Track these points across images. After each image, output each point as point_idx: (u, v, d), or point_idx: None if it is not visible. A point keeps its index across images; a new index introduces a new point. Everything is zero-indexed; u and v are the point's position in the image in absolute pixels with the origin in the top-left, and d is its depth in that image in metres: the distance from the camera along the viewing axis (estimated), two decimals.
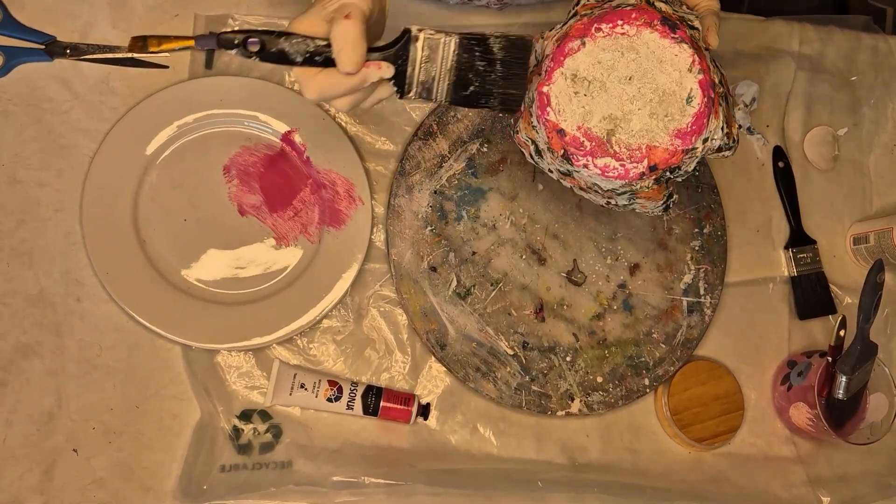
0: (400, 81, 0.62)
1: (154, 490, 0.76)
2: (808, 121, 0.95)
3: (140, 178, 0.80)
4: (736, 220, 0.91)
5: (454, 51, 0.62)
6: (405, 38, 0.61)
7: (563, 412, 0.82)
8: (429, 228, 0.83)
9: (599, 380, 0.83)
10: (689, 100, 0.65)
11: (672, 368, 0.85)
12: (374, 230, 0.83)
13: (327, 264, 0.81)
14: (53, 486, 0.75)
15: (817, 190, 0.94)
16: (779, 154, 0.93)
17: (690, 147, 0.65)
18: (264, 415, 0.79)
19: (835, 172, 0.95)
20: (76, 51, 0.82)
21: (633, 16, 0.65)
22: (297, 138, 0.82)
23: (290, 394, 0.78)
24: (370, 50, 0.59)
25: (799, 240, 0.92)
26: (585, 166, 0.65)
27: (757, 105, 0.93)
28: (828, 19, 0.98)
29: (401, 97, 0.63)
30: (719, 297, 0.87)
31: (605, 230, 0.86)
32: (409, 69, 0.61)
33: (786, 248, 0.92)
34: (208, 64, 0.83)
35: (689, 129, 0.64)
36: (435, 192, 0.84)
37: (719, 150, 0.68)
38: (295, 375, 0.78)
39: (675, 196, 0.73)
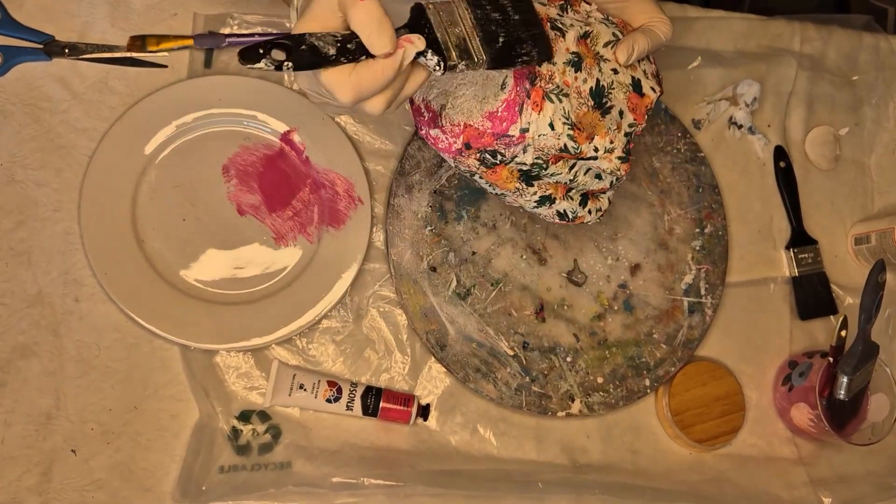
0: (437, 50, 0.58)
1: (153, 491, 0.76)
2: (809, 120, 0.95)
3: (139, 177, 0.80)
4: (737, 219, 0.91)
5: (466, 8, 0.60)
6: (419, 10, 0.58)
7: (564, 413, 0.82)
8: (428, 228, 0.83)
9: (600, 380, 0.83)
10: (502, 86, 0.67)
11: (673, 369, 0.84)
12: (374, 230, 0.83)
13: (326, 264, 0.81)
14: (52, 486, 0.75)
15: (819, 190, 0.94)
16: (780, 154, 0.93)
17: (503, 133, 0.67)
18: (263, 415, 0.78)
19: (836, 172, 0.95)
20: (75, 50, 0.81)
21: None
22: (296, 138, 0.82)
23: (290, 394, 0.78)
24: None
25: (800, 240, 0.91)
26: (425, 136, 0.71)
27: (758, 105, 0.93)
28: (829, 19, 0.98)
29: (444, 68, 0.58)
30: (720, 298, 0.87)
31: (606, 230, 0.86)
32: (439, 35, 0.58)
33: (787, 248, 0.91)
34: (207, 63, 0.83)
35: (499, 113, 0.67)
36: (435, 191, 0.84)
37: (579, 157, 0.70)
38: (294, 376, 0.78)
39: (558, 202, 0.75)
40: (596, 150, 0.69)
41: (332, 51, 0.54)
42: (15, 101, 0.80)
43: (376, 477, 0.76)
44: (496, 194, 0.76)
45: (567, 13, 0.71)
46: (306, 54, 0.54)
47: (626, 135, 0.71)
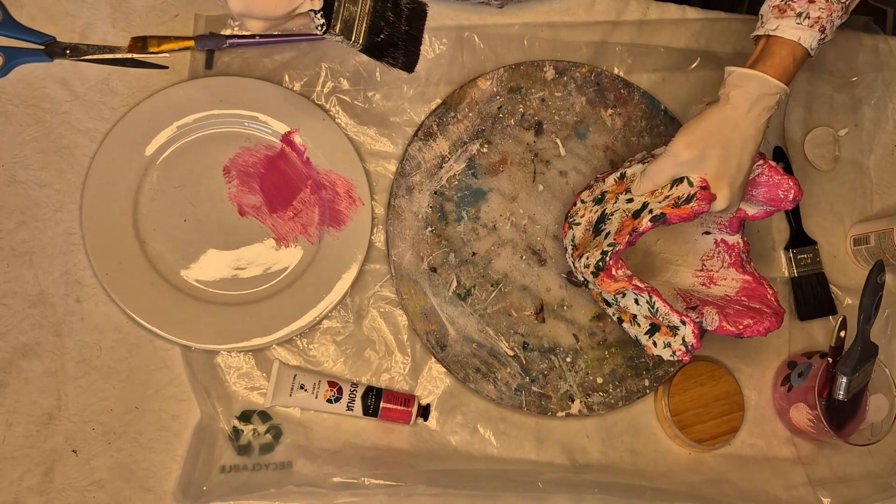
0: (327, 13, 0.64)
1: (154, 491, 0.76)
2: (808, 121, 0.95)
3: (140, 178, 0.80)
4: None
5: None
6: None
7: (564, 413, 0.82)
8: (429, 229, 0.83)
9: (599, 381, 0.83)
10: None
11: (672, 369, 0.85)
12: (375, 231, 0.83)
13: (327, 265, 0.81)
14: (53, 486, 0.75)
15: (818, 191, 0.94)
16: (779, 155, 0.93)
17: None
18: (264, 415, 0.79)
19: (835, 173, 0.95)
20: (76, 51, 0.82)
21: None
22: (297, 139, 0.82)
23: (290, 395, 0.78)
24: None
25: (799, 240, 0.92)
26: None
27: None
28: None
29: (324, 32, 0.64)
30: None
31: None
32: (337, 4, 0.65)
33: (786, 248, 0.92)
34: (208, 64, 0.83)
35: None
36: (435, 192, 0.84)
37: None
38: (295, 376, 0.78)
39: (626, 325, 0.79)
40: (584, 266, 0.77)
41: None
42: (16, 102, 0.80)
43: (377, 477, 0.77)
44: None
45: (643, 163, 0.77)
46: None
47: (604, 252, 0.74)
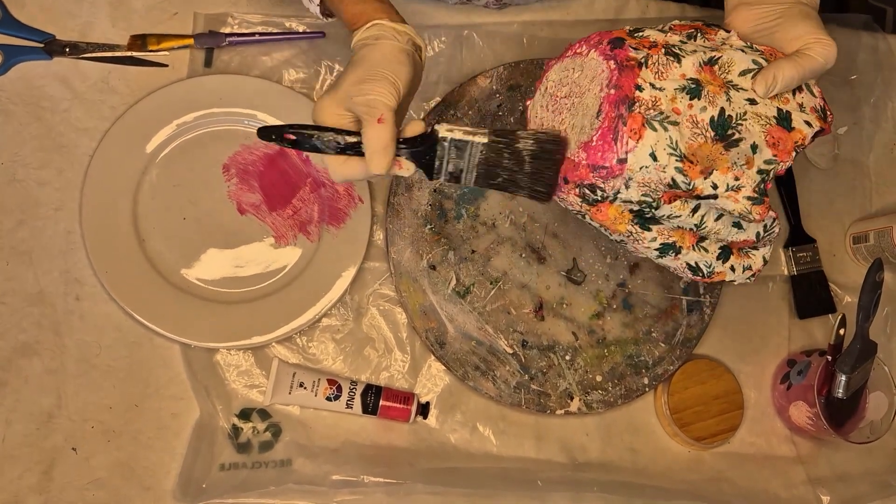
0: (428, 171, 0.64)
1: (153, 489, 0.76)
2: None
3: (140, 176, 0.80)
4: None
5: (481, 151, 0.62)
6: (432, 139, 0.62)
7: (563, 411, 0.82)
8: (428, 227, 0.83)
9: (599, 379, 0.83)
10: (598, 114, 0.62)
11: (671, 367, 0.85)
12: (374, 229, 0.83)
13: (327, 263, 0.81)
14: (53, 485, 0.75)
15: (817, 189, 0.94)
16: None
17: (598, 164, 0.61)
18: (263, 413, 0.79)
19: (835, 171, 0.95)
20: (76, 49, 0.82)
21: (594, 38, 0.65)
22: None
23: (290, 393, 0.78)
24: (400, 142, 0.61)
25: (799, 239, 0.92)
26: None
27: None
28: (827, 18, 0.97)
29: (430, 179, 0.64)
30: (719, 296, 0.87)
31: None
32: (437, 163, 0.63)
33: (785, 247, 0.92)
34: (207, 62, 0.83)
35: (593, 143, 0.62)
36: (434, 190, 0.84)
37: (693, 194, 0.63)
38: (294, 374, 0.78)
39: (685, 252, 0.68)
40: (714, 186, 0.63)
41: (331, 151, 0.62)
42: (16, 101, 0.80)
43: (376, 475, 0.77)
44: (616, 241, 0.70)
45: (695, 40, 0.66)
46: (308, 146, 0.61)
47: (761, 172, 0.63)
